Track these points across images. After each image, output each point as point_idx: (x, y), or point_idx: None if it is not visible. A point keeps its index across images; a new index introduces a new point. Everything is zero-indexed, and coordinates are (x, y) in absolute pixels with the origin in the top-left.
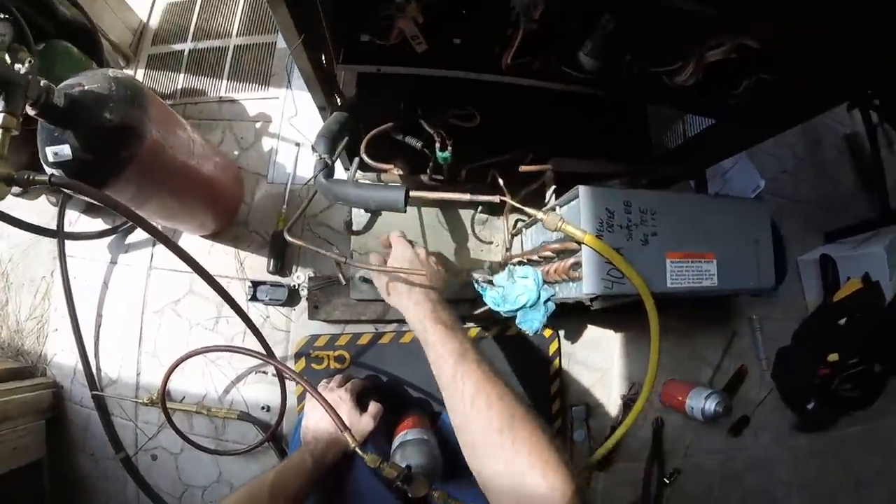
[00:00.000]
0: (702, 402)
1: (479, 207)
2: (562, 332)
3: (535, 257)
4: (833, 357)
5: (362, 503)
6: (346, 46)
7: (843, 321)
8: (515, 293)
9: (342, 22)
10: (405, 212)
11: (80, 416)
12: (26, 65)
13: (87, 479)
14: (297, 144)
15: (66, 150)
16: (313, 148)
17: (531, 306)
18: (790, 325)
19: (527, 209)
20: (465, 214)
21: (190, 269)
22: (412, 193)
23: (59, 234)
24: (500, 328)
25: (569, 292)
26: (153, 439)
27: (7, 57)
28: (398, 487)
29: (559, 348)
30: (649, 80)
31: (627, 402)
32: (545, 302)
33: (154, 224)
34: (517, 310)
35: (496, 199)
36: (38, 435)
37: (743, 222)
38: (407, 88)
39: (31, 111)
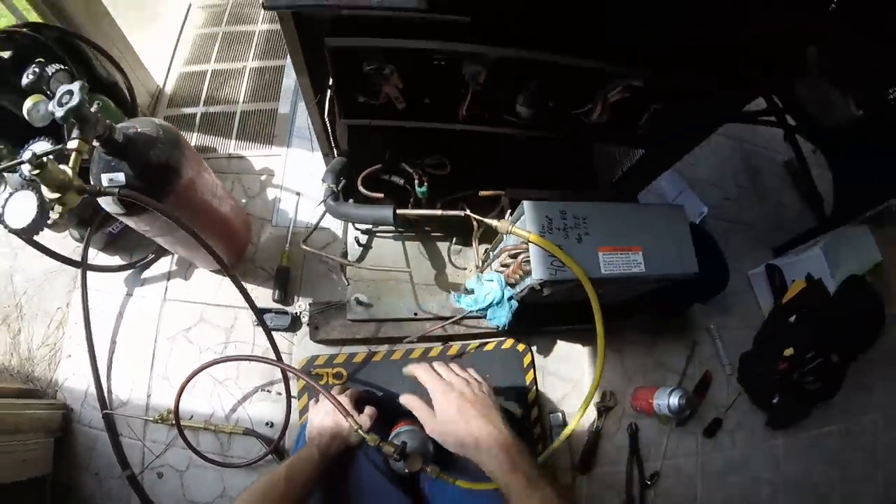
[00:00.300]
0: (666, 399)
1: (454, 239)
2: (534, 348)
3: (498, 267)
4: (789, 351)
5: (362, 492)
6: (346, 105)
7: (793, 318)
8: (484, 293)
9: (345, 87)
10: (394, 224)
11: (88, 437)
12: (95, 106)
13: (91, 499)
14: (298, 194)
15: (120, 177)
16: (323, 180)
17: (497, 304)
18: (749, 332)
19: (485, 220)
20: (443, 246)
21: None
22: (398, 211)
23: (83, 265)
24: (480, 343)
25: (525, 284)
26: (160, 457)
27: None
28: (395, 460)
29: (532, 361)
30: (571, 122)
31: (601, 409)
32: (509, 300)
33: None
34: (486, 307)
35: (461, 213)
36: (47, 451)
37: (663, 222)
38: (391, 139)
39: (95, 143)
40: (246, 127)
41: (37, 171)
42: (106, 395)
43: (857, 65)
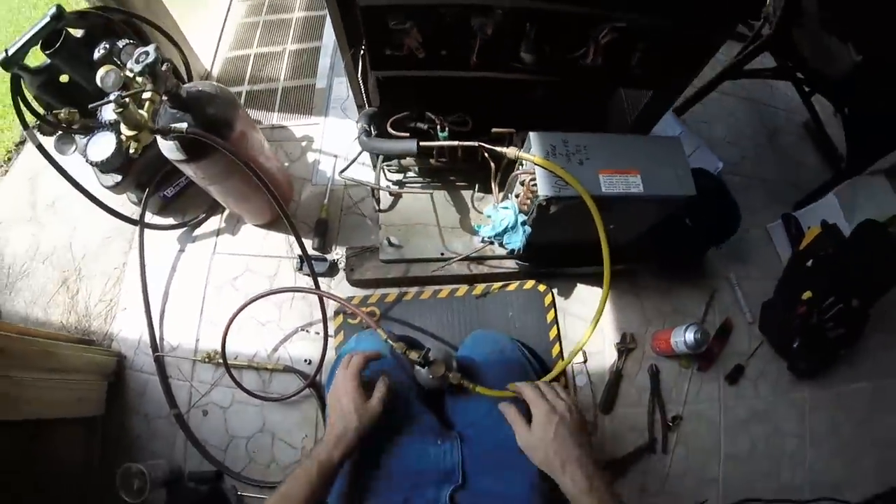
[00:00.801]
0: (682, 336)
1: (477, 187)
2: (555, 290)
3: (512, 197)
4: (807, 295)
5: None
6: (375, 58)
7: (810, 263)
8: (499, 218)
9: (374, 41)
10: (417, 154)
11: (139, 382)
12: (165, 66)
13: (138, 440)
14: (335, 156)
15: (183, 127)
16: (357, 121)
17: (512, 228)
18: (770, 284)
19: (495, 148)
20: (466, 194)
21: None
22: (421, 143)
23: (141, 223)
24: (503, 284)
25: (534, 205)
26: (206, 396)
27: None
28: (420, 366)
29: (553, 302)
30: (570, 65)
31: (621, 350)
32: (522, 224)
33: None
34: (503, 233)
35: (475, 143)
36: (101, 394)
37: (661, 150)
38: (416, 94)
39: (164, 97)
40: (287, 101)
41: (120, 110)
42: (158, 340)
43: (853, 10)
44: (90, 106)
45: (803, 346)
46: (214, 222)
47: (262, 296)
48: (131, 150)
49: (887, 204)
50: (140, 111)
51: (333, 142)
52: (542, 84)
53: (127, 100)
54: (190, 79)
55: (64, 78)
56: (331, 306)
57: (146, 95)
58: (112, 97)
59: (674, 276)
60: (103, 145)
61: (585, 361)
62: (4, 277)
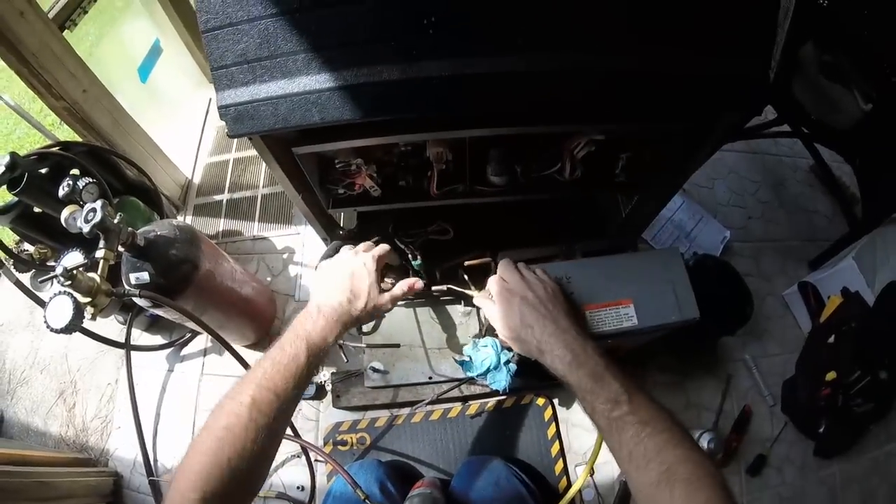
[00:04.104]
0: None
1: (463, 301)
2: (556, 401)
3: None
4: (830, 376)
5: None
6: (329, 198)
7: (832, 339)
8: (480, 359)
9: (324, 184)
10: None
11: (136, 502)
12: (117, 217)
13: None
14: (316, 269)
15: (145, 276)
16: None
17: (495, 368)
18: (791, 357)
19: (466, 291)
20: (452, 309)
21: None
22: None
23: (127, 346)
24: (498, 401)
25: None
26: None
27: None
28: None
29: (554, 414)
30: (546, 182)
31: None
32: (506, 363)
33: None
34: (485, 373)
35: (444, 287)
36: None
37: (657, 268)
38: (393, 214)
39: (120, 248)
40: (267, 209)
41: (68, 283)
42: (152, 463)
43: (857, 56)
44: (39, 280)
45: (830, 429)
46: (201, 341)
47: None
48: (88, 316)
49: None
50: (91, 275)
51: (314, 253)
52: None
53: (74, 272)
54: (160, 205)
55: (38, 209)
56: (321, 432)
57: (99, 254)
58: (58, 270)
59: (685, 367)
60: (61, 311)
61: (593, 474)
62: (6, 383)
